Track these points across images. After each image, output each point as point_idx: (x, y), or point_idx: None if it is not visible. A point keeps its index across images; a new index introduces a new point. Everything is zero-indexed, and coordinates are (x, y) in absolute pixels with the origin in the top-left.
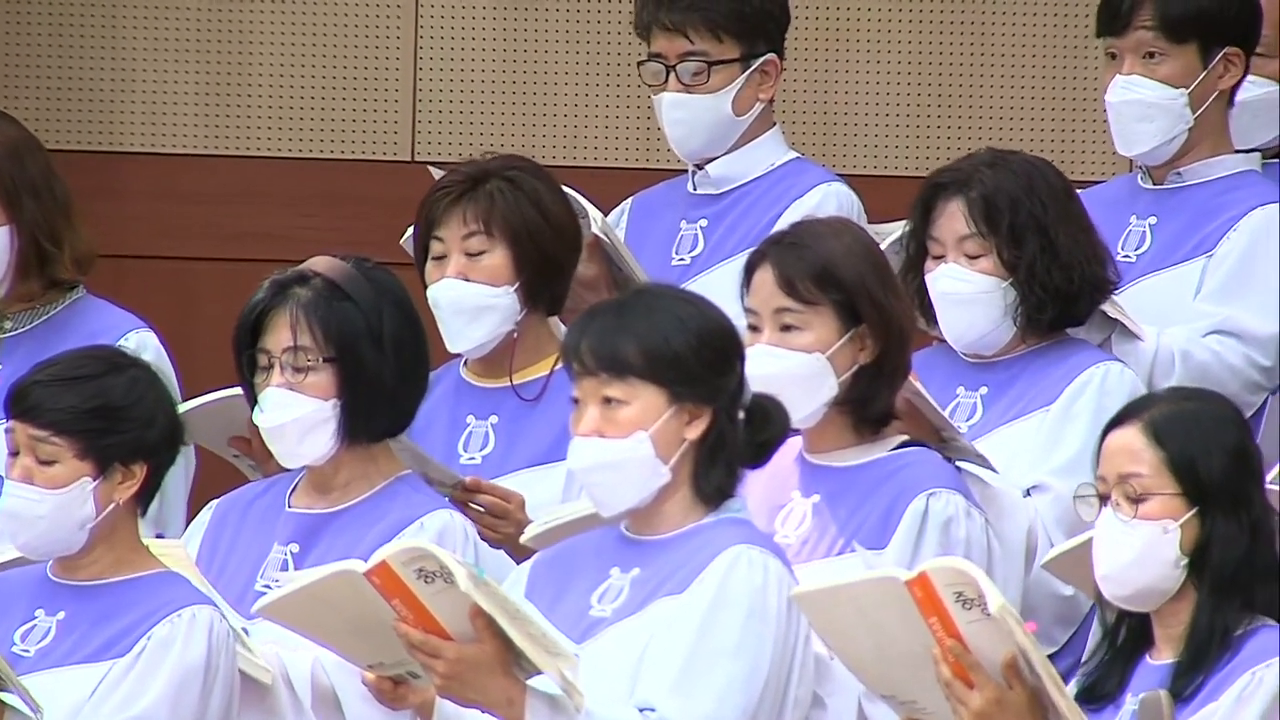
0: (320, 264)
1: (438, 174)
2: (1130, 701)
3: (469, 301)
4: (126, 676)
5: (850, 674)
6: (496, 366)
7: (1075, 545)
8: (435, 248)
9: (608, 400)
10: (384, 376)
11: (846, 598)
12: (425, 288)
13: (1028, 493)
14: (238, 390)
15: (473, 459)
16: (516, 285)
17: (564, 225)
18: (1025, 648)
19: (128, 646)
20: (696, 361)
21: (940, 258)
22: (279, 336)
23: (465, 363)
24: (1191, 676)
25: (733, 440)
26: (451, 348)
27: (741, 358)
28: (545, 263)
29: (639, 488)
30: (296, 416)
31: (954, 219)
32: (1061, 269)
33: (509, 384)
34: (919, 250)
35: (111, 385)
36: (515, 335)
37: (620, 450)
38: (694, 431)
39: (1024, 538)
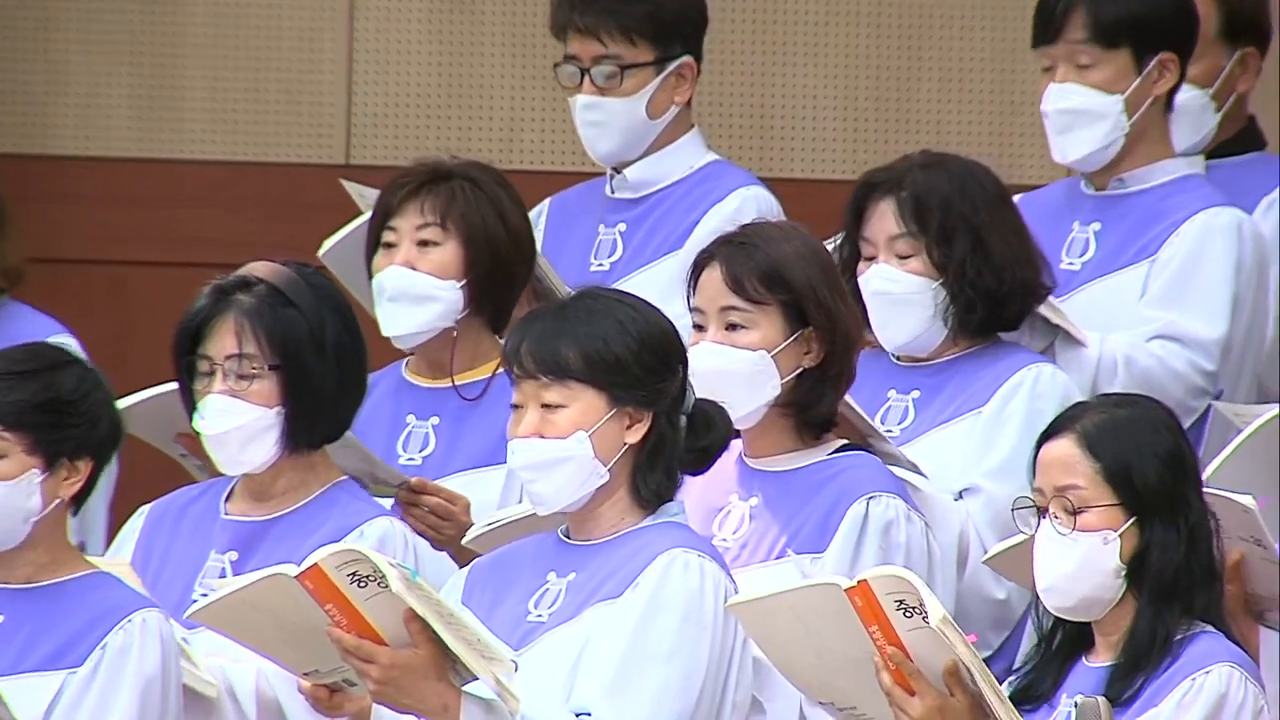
0: (262, 269)
1: (362, 195)
2: (1065, 702)
3: (414, 289)
4: (89, 689)
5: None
6: (438, 367)
7: (1015, 544)
8: (387, 236)
9: (547, 404)
10: (326, 384)
11: (785, 606)
12: (371, 277)
13: (960, 496)
14: (175, 385)
15: (412, 459)
16: (463, 282)
17: (521, 237)
18: (965, 658)
19: (81, 656)
20: (637, 365)
21: (872, 259)
22: (222, 343)
23: (407, 363)
24: (1129, 680)
25: (673, 445)
26: (386, 331)
27: (683, 362)
28: (496, 267)
29: (577, 486)
30: (239, 424)
31: (885, 219)
32: (992, 271)
33: (451, 384)
34: (852, 252)
35: (61, 380)
36: (455, 335)
37: (560, 449)
38: (634, 435)
39: (955, 542)
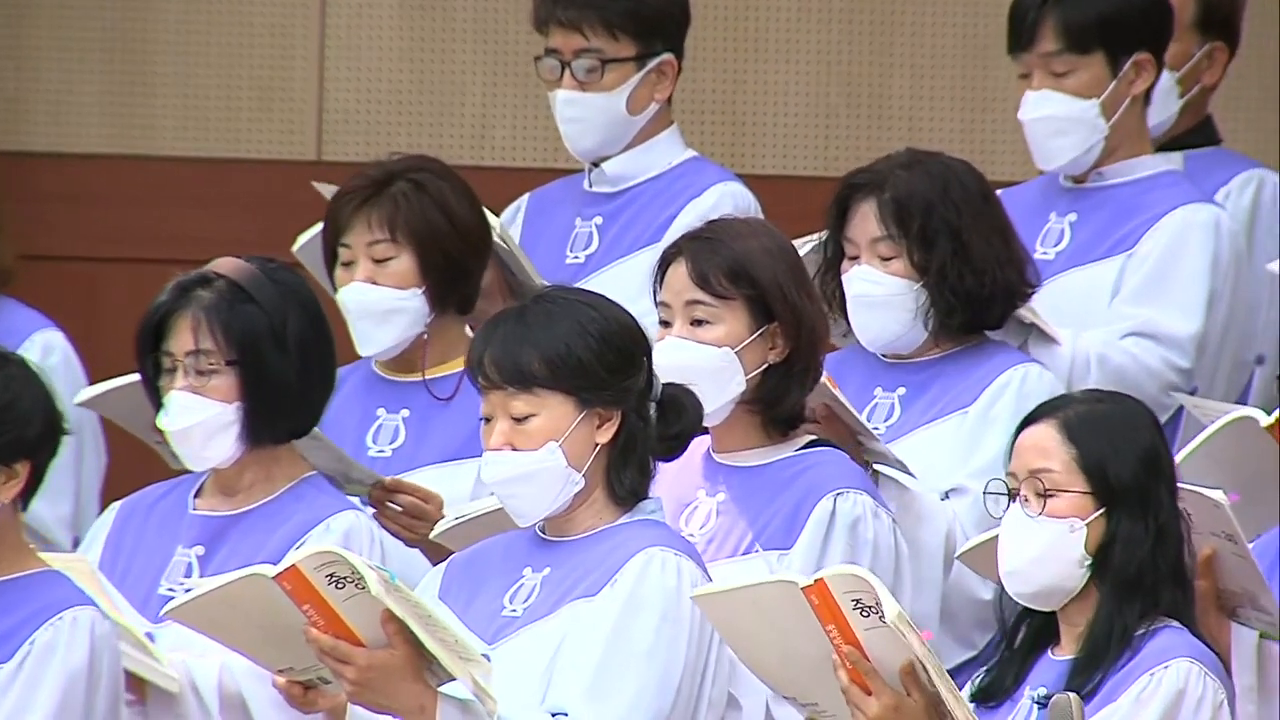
0: (223, 265)
1: (327, 191)
2: (1028, 694)
3: (377, 305)
4: (13, 685)
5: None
6: (409, 362)
7: (989, 538)
8: (343, 254)
9: (516, 414)
10: (287, 378)
11: (746, 600)
12: (335, 291)
13: (947, 495)
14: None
15: (382, 452)
16: (424, 289)
17: (469, 227)
18: (921, 657)
19: (10, 652)
20: (601, 366)
21: (855, 258)
22: (181, 339)
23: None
24: (1089, 674)
25: (644, 439)
26: (362, 351)
27: (647, 354)
28: (450, 265)
29: (554, 497)
30: (200, 420)
31: (867, 220)
32: (974, 273)
33: (421, 379)
34: (836, 251)
35: None
36: (425, 337)
37: (533, 462)
38: (604, 435)
39: (942, 541)
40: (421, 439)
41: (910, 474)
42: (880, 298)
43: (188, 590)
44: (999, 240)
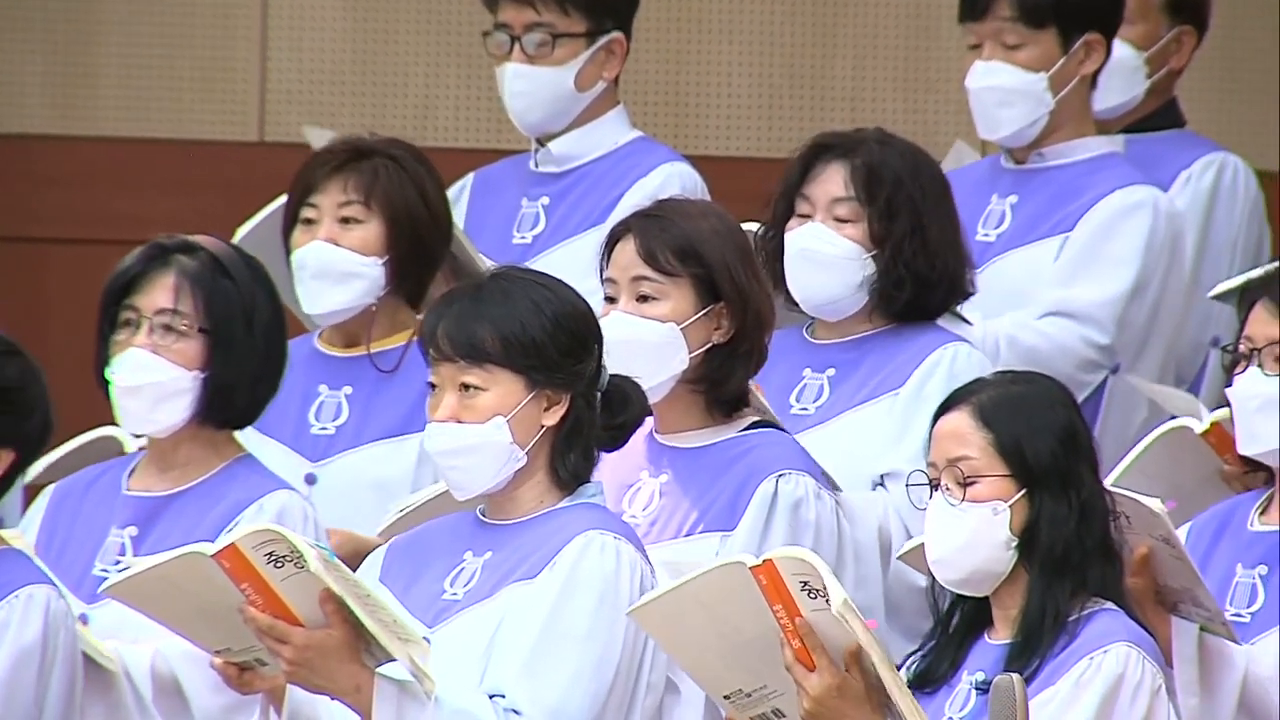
0: (203, 239)
1: (317, 137)
2: (965, 680)
3: (337, 266)
4: None
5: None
6: (352, 338)
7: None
8: (307, 213)
9: (465, 387)
10: (250, 361)
11: (689, 596)
12: (289, 254)
13: (881, 480)
14: (105, 431)
15: (325, 429)
16: (386, 259)
17: (440, 215)
18: (866, 644)
19: None
20: (554, 348)
21: (806, 216)
22: (154, 297)
23: (319, 333)
24: (1026, 659)
25: (590, 425)
26: (308, 308)
27: (599, 341)
28: (417, 245)
29: (495, 472)
30: (156, 380)
31: (832, 180)
32: (926, 256)
33: (364, 354)
34: (786, 209)
35: (4, 366)
36: (374, 309)
37: (477, 435)
38: (551, 418)
39: (875, 537)
40: (365, 415)
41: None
42: (828, 258)
43: (124, 569)
44: (953, 233)
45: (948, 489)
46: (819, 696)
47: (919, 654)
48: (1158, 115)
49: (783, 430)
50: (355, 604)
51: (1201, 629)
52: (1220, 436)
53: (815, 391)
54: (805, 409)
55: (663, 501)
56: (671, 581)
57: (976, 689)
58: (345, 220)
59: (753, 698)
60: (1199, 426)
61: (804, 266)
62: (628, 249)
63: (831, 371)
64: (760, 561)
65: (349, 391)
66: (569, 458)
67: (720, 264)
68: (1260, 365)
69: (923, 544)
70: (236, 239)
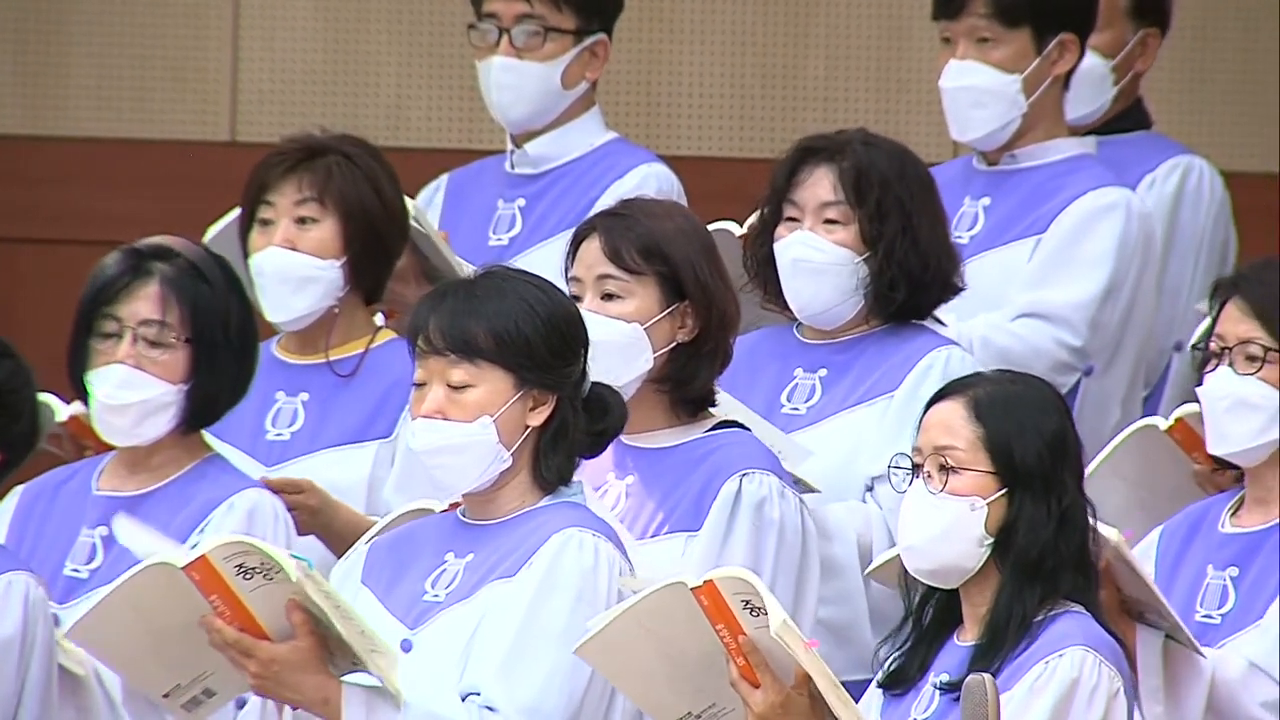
0: (175, 242)
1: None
2: (933, 679)
3: (294, 271)
4: None
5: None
6: (310, 343)
7: (896, 554)
8: (264, 212)
9: (453, 382)
10: (230, 366)
11: (631, 623)
12: (246, 257)
13: (873, 483)
14: (43, 398)
15: (280, 435)
16: (343, 260)
17: (396, 211)
18: (807, 664)
19: None
20: (545, 348)
21: (795, 221)
22: (136, 307)
23: (276, 340)
24: (989, 661)
25: (575, 429)
26: (272, 317)
27: (586, 346)
28: (374, 242)
29: (480, 472)
30: (144, 398)
31: (820, 184)
32: (918, 256)
33: (322, 360)
34: (774, 215)
35: None
36: (336, 311)
37: (464, 434)
38: (537, 418)
39: (855, 551)
40: (321, 421)
41: (815, 489)
42: (821, 264)
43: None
44: (942, 231)
45: (929, 476)
46: (764, 713)
47: (895, 652)
48: (1124, 117)
49: (747, 430)
50: (332, 614)
51: (1167, 636)
52: (1185, 433)
53: (807, 391)
54: (797, 409)
55: (629, 502)
56: (613, 609)
57: (940, 690)
58: (301, 220)
59: (702, 718)
60: (1164, 424)
61: (798, 277)
62: (593, 247)
63: (824, 372)
64: (701, 583)
65: (305, 398)
66: (553, 459)
67: (685, 263)
68: (1231, 364)
69: (892, 559)
70: (207, 238)
